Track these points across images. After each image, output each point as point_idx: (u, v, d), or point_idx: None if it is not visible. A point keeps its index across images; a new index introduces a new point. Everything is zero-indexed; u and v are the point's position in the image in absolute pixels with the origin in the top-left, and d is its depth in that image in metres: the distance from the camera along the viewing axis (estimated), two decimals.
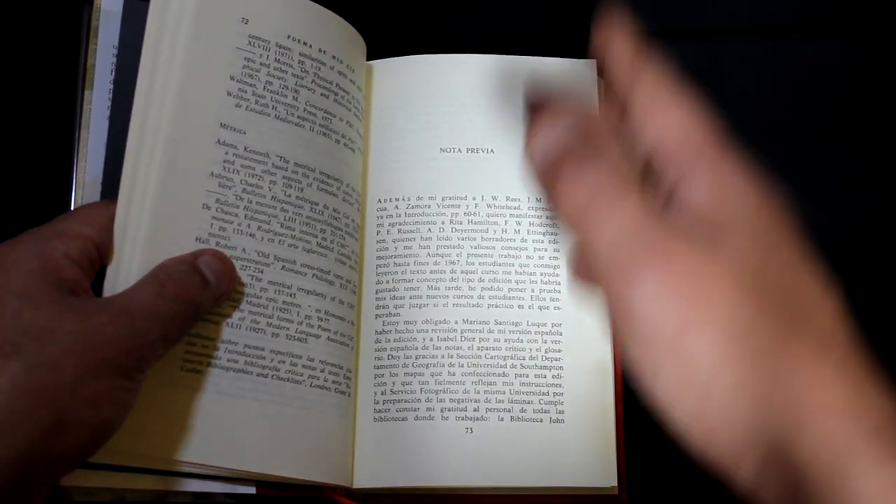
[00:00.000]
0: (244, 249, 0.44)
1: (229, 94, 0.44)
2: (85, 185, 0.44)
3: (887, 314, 0.53)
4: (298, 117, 0.46)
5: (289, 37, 0.46)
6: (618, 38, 0.33)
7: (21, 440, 0.33)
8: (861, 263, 0.54)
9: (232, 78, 0.44)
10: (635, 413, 0.49)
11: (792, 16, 0.59)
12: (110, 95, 0.45)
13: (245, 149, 0.44)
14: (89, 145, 0.44)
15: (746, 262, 0.28)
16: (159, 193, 0.41)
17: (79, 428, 0.35)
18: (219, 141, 0.44)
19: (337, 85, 0.49)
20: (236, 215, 0.44)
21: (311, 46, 0.47)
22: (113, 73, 0.45)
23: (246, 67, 0.45)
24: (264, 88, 0.45)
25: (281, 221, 0.45)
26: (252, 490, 0.44)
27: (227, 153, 0.44)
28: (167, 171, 0.42)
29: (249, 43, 0.45)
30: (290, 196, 0.45)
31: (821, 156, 0.56)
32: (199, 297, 0.40)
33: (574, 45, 0.58)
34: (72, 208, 0.44)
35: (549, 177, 0.30)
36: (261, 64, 0.45)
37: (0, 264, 0.37)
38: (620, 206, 0.28)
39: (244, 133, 0.44)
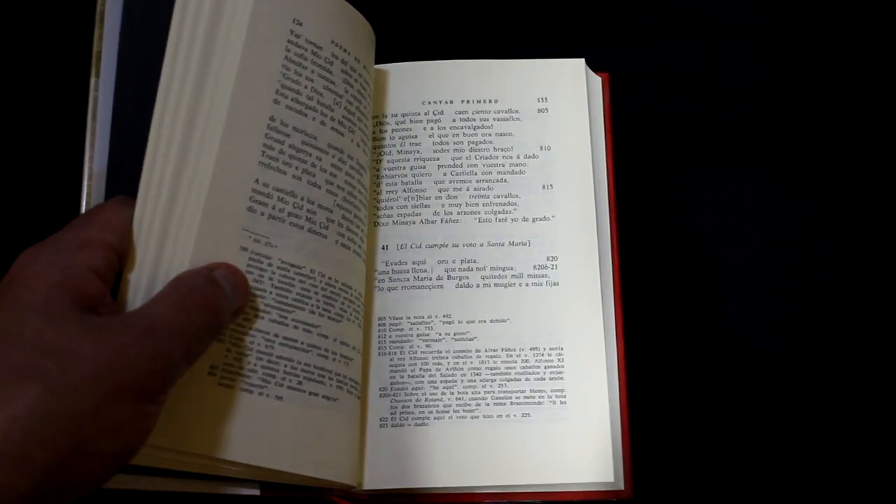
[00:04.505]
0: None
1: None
2: (95, 176, 0.42)
3: (886, 313, 0.54)
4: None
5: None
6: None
7: (38, 471, 0.31)
8: (860, 262, 0.55)
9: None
10: (641, 410, 0.51)
11: (790, 16, 0.60)
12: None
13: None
14: (97, 135, 0.42)
15: None
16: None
17: (97, 457, 0.33)
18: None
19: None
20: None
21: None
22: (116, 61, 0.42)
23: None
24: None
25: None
26: (256, 492, 0.44)
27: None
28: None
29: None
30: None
31: (819, 155, 0.57)
32: (222, 309, 0.38)
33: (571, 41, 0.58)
34: (84, 198, 0.42)
35: None
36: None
37: (21, 277, 0.35)
38: None
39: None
